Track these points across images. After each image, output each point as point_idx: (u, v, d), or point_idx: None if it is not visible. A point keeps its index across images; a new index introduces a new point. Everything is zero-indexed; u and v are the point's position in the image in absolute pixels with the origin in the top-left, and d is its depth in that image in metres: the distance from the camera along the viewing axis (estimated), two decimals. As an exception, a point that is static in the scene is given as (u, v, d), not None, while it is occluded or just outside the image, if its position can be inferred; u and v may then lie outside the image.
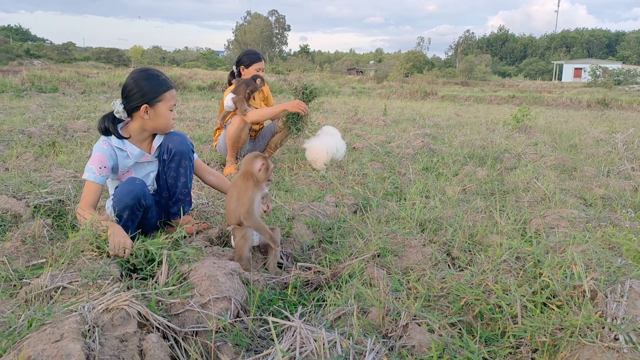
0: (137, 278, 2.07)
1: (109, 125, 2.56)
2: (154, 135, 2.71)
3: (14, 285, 2.03)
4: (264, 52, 74.53)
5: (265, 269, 2.38)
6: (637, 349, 1.50)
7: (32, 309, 1.68)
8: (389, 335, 1.73)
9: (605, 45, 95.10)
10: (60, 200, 3.09)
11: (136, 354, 1.48)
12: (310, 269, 2.43)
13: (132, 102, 2.54)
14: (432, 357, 1.57)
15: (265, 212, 2.69)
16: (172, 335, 1.65)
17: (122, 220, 2.41)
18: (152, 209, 2.63)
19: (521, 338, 1.74)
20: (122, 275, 2.06)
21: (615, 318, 1.64)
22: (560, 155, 5.52)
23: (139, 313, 1.60)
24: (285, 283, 2.25)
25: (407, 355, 1.62)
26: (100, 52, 61.90)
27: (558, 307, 1.79)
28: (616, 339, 1.56)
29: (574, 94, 21.86)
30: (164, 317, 1.68)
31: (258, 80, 4.49)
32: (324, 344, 1.51)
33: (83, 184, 3.11)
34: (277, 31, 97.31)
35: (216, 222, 2.98)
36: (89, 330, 1.46)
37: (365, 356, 1.52)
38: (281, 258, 2.51)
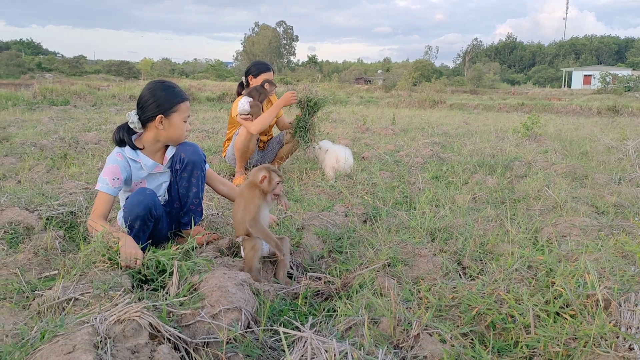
0: (148, 289, 2.08)
1: (124, 136, 2.59)
2: (167, 146, 2.74)
3: (27, 297, 2.04)
4: (272, 63, 74.77)
5: (276, 279, 2.38)
6: (653, 359, 1.48)
7: (44, 321, 1.69)
8: (401, 345, 1.72)
9: (614, 51, 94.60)
10: (72, 212, 3.12)
11: (148, 365, 1.49)
12: (320, 279, 2.42)
13: (148, 112, 2.56)
14: (444, 367, 1.56)
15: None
16: (183, 346, 1.65)
17: (133, 231, 2.43)
18: (163, 220, 2.64)
19: (534, 348, 1.72)
20: (133, 287, 2.07)
21: (630, 327, 1.62)
22: (571, 162, 5.48)
23: (150, 324, 1.61)
24: (296, 293, 2.25)
25: (418, 366, 1.61)
26: (110, 64, 62.66)
27: (571, 316, 1.77)
28: (631, 349, 1.54)
29: (584, 101, 21.73)
30: (175, 328, 1.69)
31: (266, 85, 4.51)
32: (335, 355, 1.50)
33: (95, 196, 3.14)
34: (285, 42, 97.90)
35: (226, 232, 2.99)
36: (100, 342, 1.47)
37: (376, 367, 1.51)
38: (291, 268, 2.51)
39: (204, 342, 1.68)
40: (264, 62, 4.86)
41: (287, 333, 1.70)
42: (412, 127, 9.99)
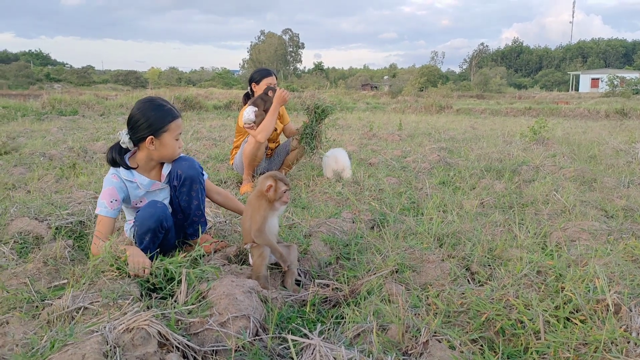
0: (156, 297, 2.09)
1: (116, 157, 2.57)
2: (163, 162, 2.74)
3: (36, 307, 2.05)
4: (279, 71, 75.39)
5: (283, 286, 2.38)
6: (665, 365, 1.46)
7: (54, 330, 1.70)
8: (409, 352, 1.71)
9: (622, 54, 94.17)
10: (81, 221, 3.14)
11: (156, 373, 1.49)
12: (328, 285, 2.42)
13: (139, 133, 2.54)
14: (453, 374, 1.55)
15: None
16: (191, 355, 1.65)
17: (143, 244, 2.44)
18: (172, 230, 2.65)
19: (544, 354, 1.71)
20: (142, 295, 2.08)
21: (641, 332, 1.61)
22: (580, 166, 5.45)
23: (159, 332, 1.62)
24: (304, 300, 2.24)
25: (428, 373, 1.60)
26: (118, 74, 63.17)
27: (581, 321, 1.76)
28: (643, 354, 1.52)
29: (592, 105, 21.60)
30: (183, 336, 1.69)
31: (270, 92, 4.52)
32: (343, 362, 1.50)
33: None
34: (291, 49, 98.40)
35: (234, 240, 3.00)
36: (110, 351, 1.47)
37: (385, 374, 1.50)
38: (299, 275, 2.51)
39: (213, 350, 1.69)
40: (265, 67, 4.94)
41: (296, 340, 1.70)
42: (418, 132, 9.98)
